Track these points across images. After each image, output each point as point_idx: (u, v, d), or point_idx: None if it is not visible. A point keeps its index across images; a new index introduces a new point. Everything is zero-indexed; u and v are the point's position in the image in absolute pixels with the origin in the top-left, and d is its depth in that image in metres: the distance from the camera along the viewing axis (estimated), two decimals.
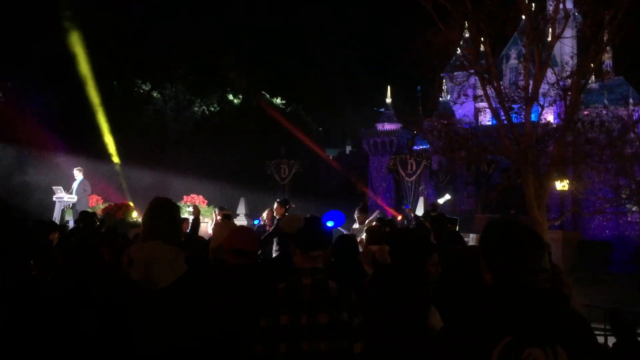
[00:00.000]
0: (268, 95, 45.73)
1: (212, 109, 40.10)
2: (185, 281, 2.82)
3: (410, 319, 3.02)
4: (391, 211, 26.49)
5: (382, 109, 44.77)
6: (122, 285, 2.81)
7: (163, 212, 3.05)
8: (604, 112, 25.63)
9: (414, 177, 34.74)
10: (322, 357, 2.87)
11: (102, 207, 16.52)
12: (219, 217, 10.91)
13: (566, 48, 20.56)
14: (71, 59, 25.87)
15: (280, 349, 2.90)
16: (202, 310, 2.86)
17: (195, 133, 36.85)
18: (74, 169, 15.69)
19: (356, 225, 10.06)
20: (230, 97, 41.65)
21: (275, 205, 9.64)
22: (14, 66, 26.02)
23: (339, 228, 10.00)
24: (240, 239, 3.87)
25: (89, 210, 13.01)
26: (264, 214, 11.05)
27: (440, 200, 19.33)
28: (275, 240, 8.28)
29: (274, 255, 8.19)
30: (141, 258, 2.79)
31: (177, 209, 3.19)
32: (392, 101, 44.33)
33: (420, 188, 35.03)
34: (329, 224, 9.56)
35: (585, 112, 27.03)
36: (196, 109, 38.73)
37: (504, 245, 2.15)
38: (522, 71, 17.57)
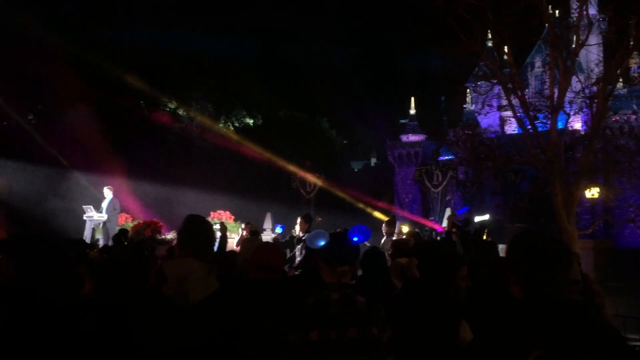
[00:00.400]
0: (292, 110, 46.03)
1: (237, 125, 40.46)
2: (217, 297, 2.87)
3: (441, 332, 3.02)
4: (428, 223, 26.27)
5: (406, 120, 44.68)
6: (154, 300, 2.86)
7: (196, 229, 3.12)
8: (633, 118, 25.20)
9: (440, 188, 34.54)
10: None
11: (131, 224, 16.75)
12: (244, 233, 10.97)
13: (592, 55, 20.29)
14: (97, 78, 26.41)
15: None
16: (233, 327, 2.90)
17: (220, 149, 37.21)
18: (104, 188, 15.98)
19: (384, 240, 9.97)
20: (254, 112, 42.02)
21: (299, 220, 9.62)
22: (44, 88, 26.69)
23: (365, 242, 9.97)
24: (265, 255, 3.92)
25: (119, 228, 13.23)
26: (297, 226, 10.80)
27: (478, 218, 19.01)
28: (299, 251, 8.33)
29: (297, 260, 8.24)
30: (175, 274, 2.86)
31: (210, 227, 3.26)
32: (416, 112, 44.23)
33: (447, 199, 34.80)
34: (355, 239, 9.54)
35: (614, 119, 26.60)
36: (221, 125, 39.13)
37: (531, 258, 2.15)
38: (547, 79, 17.41)
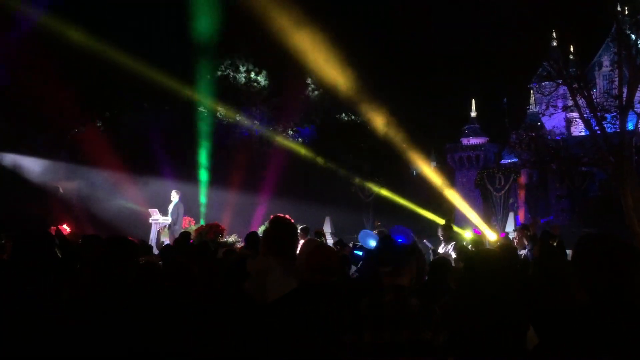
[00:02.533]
0: (349, 113, 45.99)
1: (294, 129, 40.81)
2: (294, 297, 2.94)
3: (509, 338, 2.97)
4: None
5: (467, 124, 43.99)
6: (234, 297, 2.97)
7: (279, 230, 3.24)
8: None
9: (502, 192, 33.77)
10: None
11: (194, 228, 17.18)
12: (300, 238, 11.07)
13: None
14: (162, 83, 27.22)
15: None
16: (306, 325, 2.96)
17: (279, 154, 37.61)
18: (172, 191, 16.49)
19: (442, 247, 9.79)
20: (312, 116, 42.25)
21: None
22: (110, 96, 27.78)
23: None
24: (321, 257, 3.92)
25: (182, 231, 13.59)
26: None
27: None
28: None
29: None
30: (256, 270, 2.97)
31: (293, 228, 3.37)
32: (477, 115, 43.45)
33: (510, 202, 33.99)
34: (399, 240, 9.53)
35: None
36: (280, 130, 39.57)
37: (603, 263, 2.08)
38: (615, 78, 16.77)
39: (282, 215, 14.75)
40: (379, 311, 3.03)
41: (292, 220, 14.34)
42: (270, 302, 2.88)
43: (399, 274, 3.14)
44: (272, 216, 3.43)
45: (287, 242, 3.25)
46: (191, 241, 9.66)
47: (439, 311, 2.99)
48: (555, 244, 9.82)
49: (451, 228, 10.63)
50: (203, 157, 28.21)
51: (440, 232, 10.04)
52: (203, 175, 26.92)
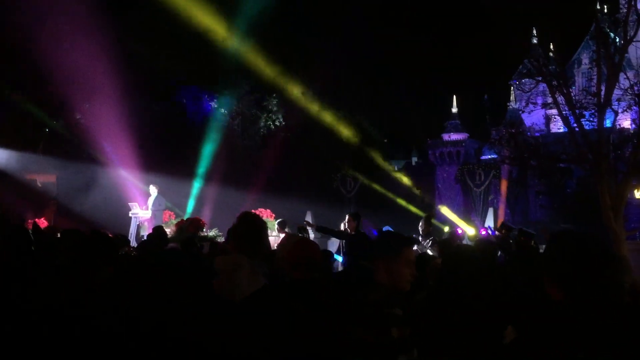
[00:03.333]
0: (333, 108, 45.93)
1: (278, 124, 40.65)
2: (263, 294, 2.93)
3: (486, 336, 2.98)
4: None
5: (448, 120, 44.24)
6: (203, 295, 2.93)
7: (248, 227, 3.21)
8: None
9: (482, 188, 34.08)
10: None
11: (174, 222, 17.08)
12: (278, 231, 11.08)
13: None
14: (141, 75, 26.91)
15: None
16: (277, 323, 2.94)
17: (262, 148, 37.45)
18: (150, 186, 16.35)
19: (421, 240, 9.79)
20: (295, 110, 42.14)
21: (347, 218, 9.62)
22: (90, 90, 27.37)
23: None
24: (301, 252, 3.89)
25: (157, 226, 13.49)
26: (343, 224, 10.55)
27: None
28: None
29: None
30: (225, 269, 2.94)
31: (263, 224, 3.34)
32: (459, 111, 43.73)
33: (490, 198, 34.31)
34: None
35: None
36: (262, 124, 39.38)
37: (577, 259, 2.09)
38: (594, 76, 16.97)
39: (253, 211, 14.65)
40: (353, 307, 3.06)
41: (273, 215, 14.35)
42: (239, 301, 2.86)
43: (375, 270, 3.15)
44: (241, 213, 3.37)
45: (256, 239, 3.21)
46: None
47: (399, 312, 2.96)
48: (532, 242, 9.96)
49: (431, 222, 10.70)
50: (180, 149, 28.06)
51: (421, 225, 10.10)
52: (180, 168, 26.74)
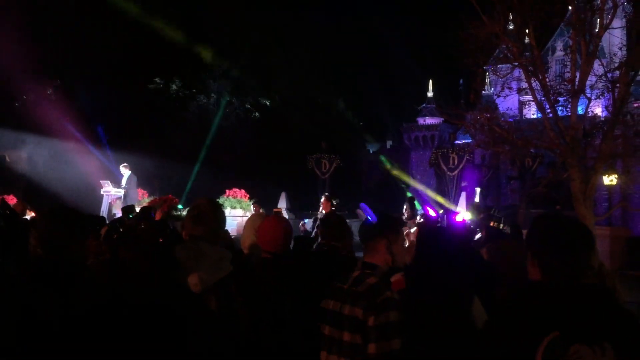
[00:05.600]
0: (309, 90, 45.83)
1: (254, 105, 40.41)
2: (228, 281, 2.86)
3: (453, 313, 3.00)
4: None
5: (424, 104, 44.41)
6: (166, 285, 2.77)
7: (207, 213, 3.09)
8: None
9: (456, 172, 34.33)
10: (343, 346, 2.93)
11: (147, 200, 16.88)
12: (254, 211, 11.02)
13: (614, 39, 19.87)
14: (117, 55, 26.46)
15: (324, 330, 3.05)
16: (241, 310, 2.91)
17: (237, 129, 37.23)
18: (120, 166, 16.11)
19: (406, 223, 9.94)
20: (272, 93, 41.91)
21: (322, 200, 9.68)
22: (62, 64, 26.75)
23: None
24: (270, 232, 3.83)
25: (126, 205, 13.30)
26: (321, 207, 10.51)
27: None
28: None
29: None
30: (186, 258, 2.82)
31: (221, 210, 3.24)
32: (434, 95, 43.92)
33: (463, 184, 34.62)
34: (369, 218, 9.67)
35: (636, 105, 26.13)
36: (238, 104, 39.10)
37: (557, 241, 2.14)
38: (568, 63, 17.14)
39: (227, 191, 14.60)
40: (341, 285, 3.07)
41: (247, 196, 14.31)
42: (205, 289, 2.76)
43: (367, 251, 3.16)
44: (197, 200, 3.27)
45: (216, 224, 3.11)
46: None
47: (392, 295, 2.94)
48: (500, 226, 10.06)
49: (414, 205, 10.82)
50: (157, 130, 27.75)
51: (405, 206, 10.24)
52: (155, 149, 26.47)
